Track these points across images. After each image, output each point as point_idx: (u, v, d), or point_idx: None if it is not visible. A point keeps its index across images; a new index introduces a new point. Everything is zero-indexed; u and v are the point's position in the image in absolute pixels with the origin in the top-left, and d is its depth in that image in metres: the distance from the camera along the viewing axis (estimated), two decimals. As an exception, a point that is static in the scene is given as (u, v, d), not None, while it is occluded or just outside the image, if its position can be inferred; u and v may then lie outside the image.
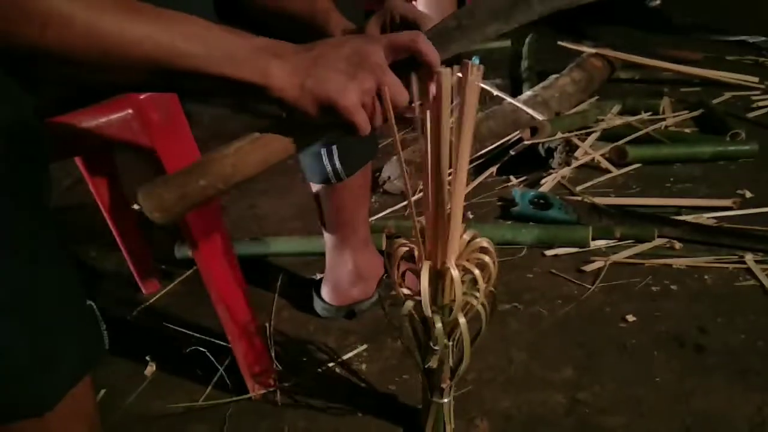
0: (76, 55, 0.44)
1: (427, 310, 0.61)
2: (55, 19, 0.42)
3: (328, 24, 0.68)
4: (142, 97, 0.70)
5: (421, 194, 0.62)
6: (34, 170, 0.47)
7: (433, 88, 0.55)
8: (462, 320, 0.63)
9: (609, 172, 1.48)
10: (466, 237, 0.64)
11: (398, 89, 0.53)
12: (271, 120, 0.57)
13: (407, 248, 0.64)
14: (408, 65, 0.55)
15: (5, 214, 0.44)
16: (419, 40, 0.54)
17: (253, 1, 0.71)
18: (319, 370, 0.97)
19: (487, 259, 0.62)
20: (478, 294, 0.63)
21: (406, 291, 0.65)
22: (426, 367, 0.69)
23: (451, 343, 0.67)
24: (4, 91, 0.44)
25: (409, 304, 0.64)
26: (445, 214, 0.59)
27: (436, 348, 0.66)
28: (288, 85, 0.51)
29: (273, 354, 0.94)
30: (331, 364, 0.98)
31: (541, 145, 1.51)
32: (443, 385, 0.73)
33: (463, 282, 0.61)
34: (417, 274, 0.63)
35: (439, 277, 0.62)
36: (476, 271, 0.61)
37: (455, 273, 0.60)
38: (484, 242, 0.63)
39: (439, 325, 0.63)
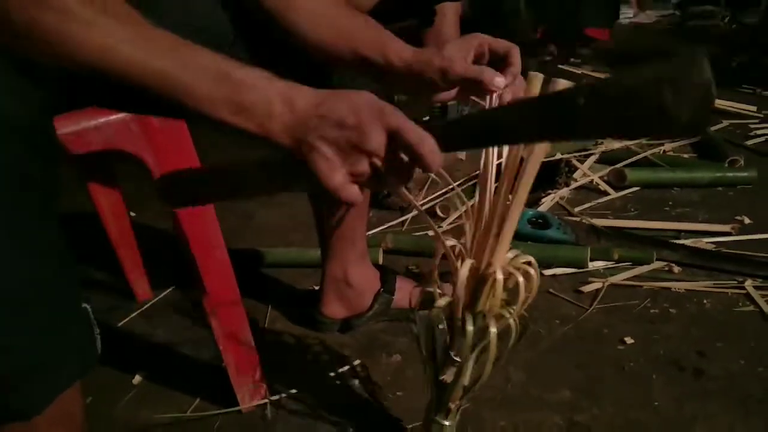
0: (88, 70, 0.44)
1: (458, 311, 0.60)
2: (71, 40, 0.43)
3: (394, 64, 0.65)
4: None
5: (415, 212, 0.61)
6: (46, 169, 0.46)
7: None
8: (493, 329, 0.60)
9: (607, 194, 1.48)
10: (510, 254, 0.63)
11: (401, 175, 0.50)
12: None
13: (452, 244, 0.62)
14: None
15: (17, 211, 0.43)
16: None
17: (324, 46, 0.68)
18: (311, 384, 0.95)
19: (532, 271, 0.60)
20: (512, 309, 0.61)
21: (440, 291, 0.63)
22: (440, 379, 0.67)
23: (473, 356, 0.64)
24: (16, 88, 0.43)
25: (443, 301, 0.62)
26: (498, 222, 0.59)
27: (456, 358, 0.64)
28: (285, 140, 0.49)
29: (265, 366, 0.92)
30: (323, 379, 0.96)
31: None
32: (451, 405, 0.70)
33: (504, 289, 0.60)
34: (451, 281, 0.61)
35: (478, 281, 0.61)
36: (521, 279, 0.59)
37: (500, 276, 0.58)
38: (530, 258, 0.62)
39: (470, 327, 0.60)
